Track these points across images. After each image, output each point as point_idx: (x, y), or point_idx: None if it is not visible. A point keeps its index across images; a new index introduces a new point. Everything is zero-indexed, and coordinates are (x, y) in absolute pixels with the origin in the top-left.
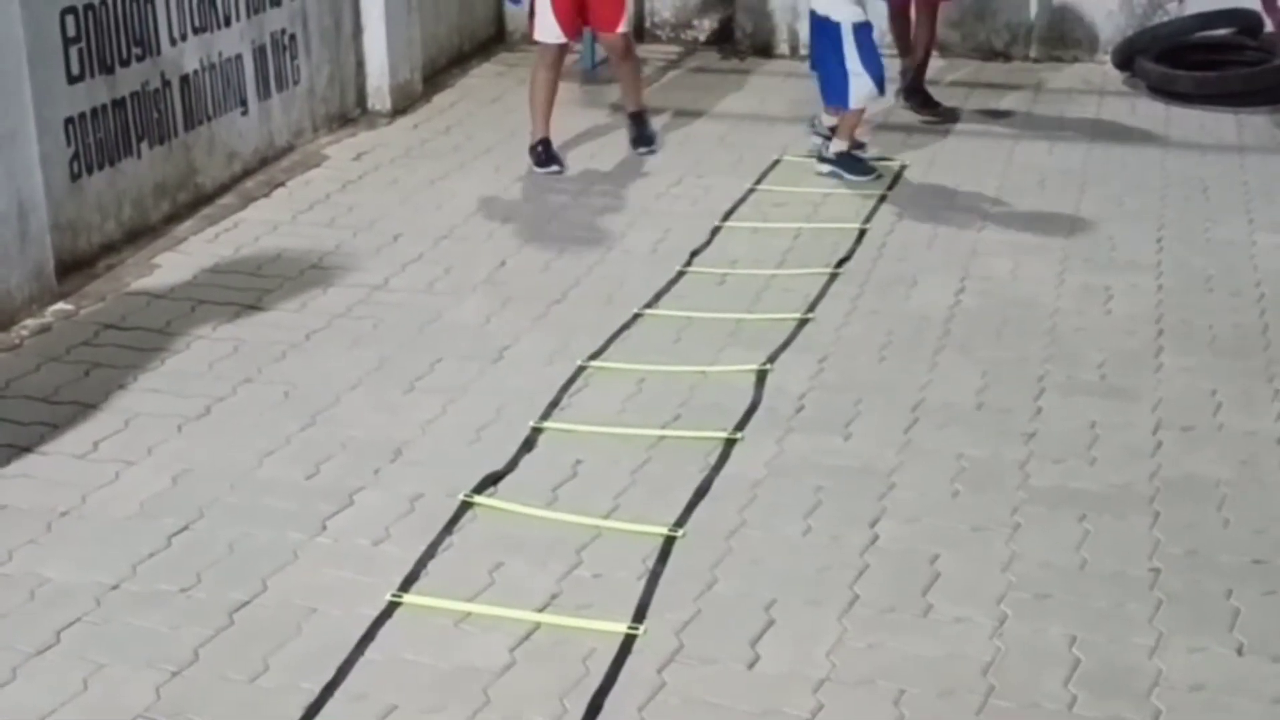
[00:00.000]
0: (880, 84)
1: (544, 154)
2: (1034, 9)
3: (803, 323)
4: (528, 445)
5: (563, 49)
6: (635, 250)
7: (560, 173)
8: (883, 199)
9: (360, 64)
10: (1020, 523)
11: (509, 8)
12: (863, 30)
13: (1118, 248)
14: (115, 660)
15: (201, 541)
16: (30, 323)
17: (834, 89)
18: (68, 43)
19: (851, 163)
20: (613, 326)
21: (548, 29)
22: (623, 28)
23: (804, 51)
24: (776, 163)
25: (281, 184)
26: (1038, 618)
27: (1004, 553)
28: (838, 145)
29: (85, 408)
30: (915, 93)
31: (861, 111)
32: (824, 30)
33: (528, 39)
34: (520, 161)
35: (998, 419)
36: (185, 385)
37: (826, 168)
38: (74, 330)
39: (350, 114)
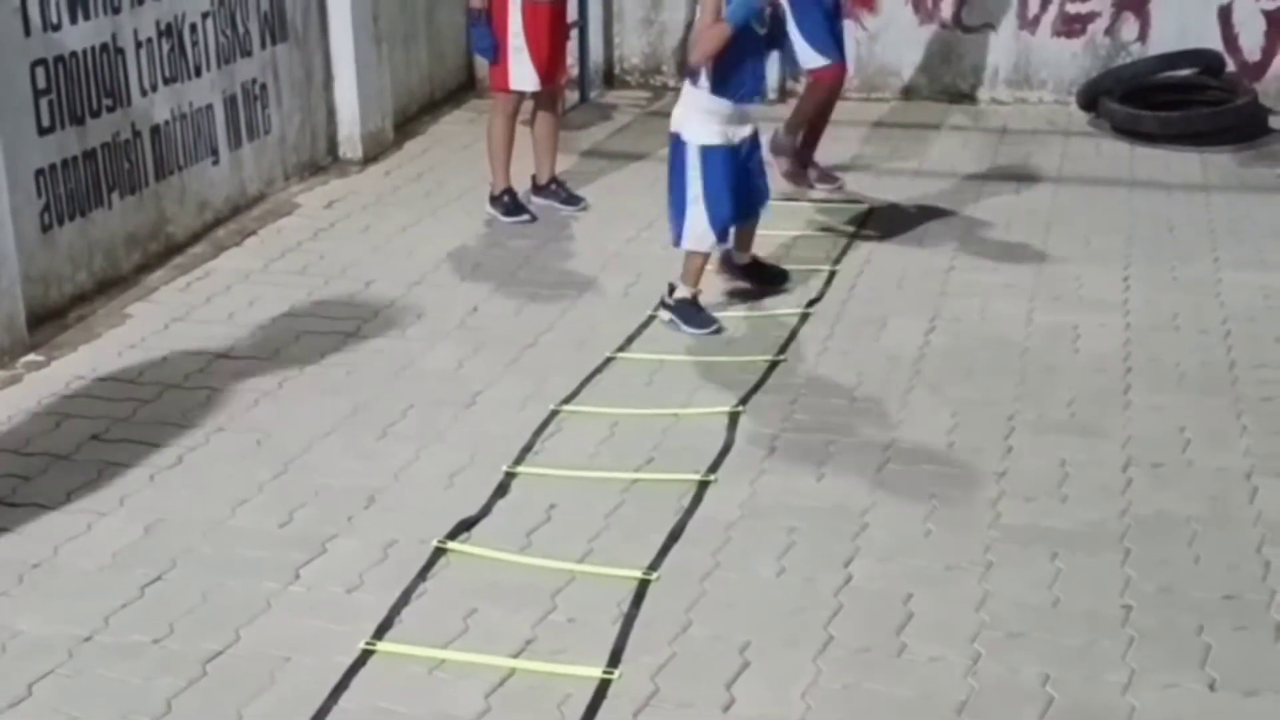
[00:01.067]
0: (722, 230)
1: (510, 204)
2: (998, 51)
3: (774, 364)
4: (501, 490)
5: (523, 99)
6: (607, 294)
7: (531, 221)
8: (852, 240)
9: (331, 112)
10: (993, 561)
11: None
12: (714, 156)
13: (1085, 286)
14: (88, 713)
15: (174, 591)
16: (1, 374)
17: (672, 218)
18: (38, 94)
19: (690, 312)
20: (585, 370)
21: (526, 78)
22: (564, 79)
23: (773, 96)
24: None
25: (253, 232)
26: (1011, 656)
27: (977, 591)
28: (680, 291)
29: (57, 458)
30: (798, 164)
31: (705, 257)
32: (674, 148)
33: (494, 88)
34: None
35: (969, 458)
36: (157, 434)
37: (666, 315)
38: (45, 381)
39: (321, 162)
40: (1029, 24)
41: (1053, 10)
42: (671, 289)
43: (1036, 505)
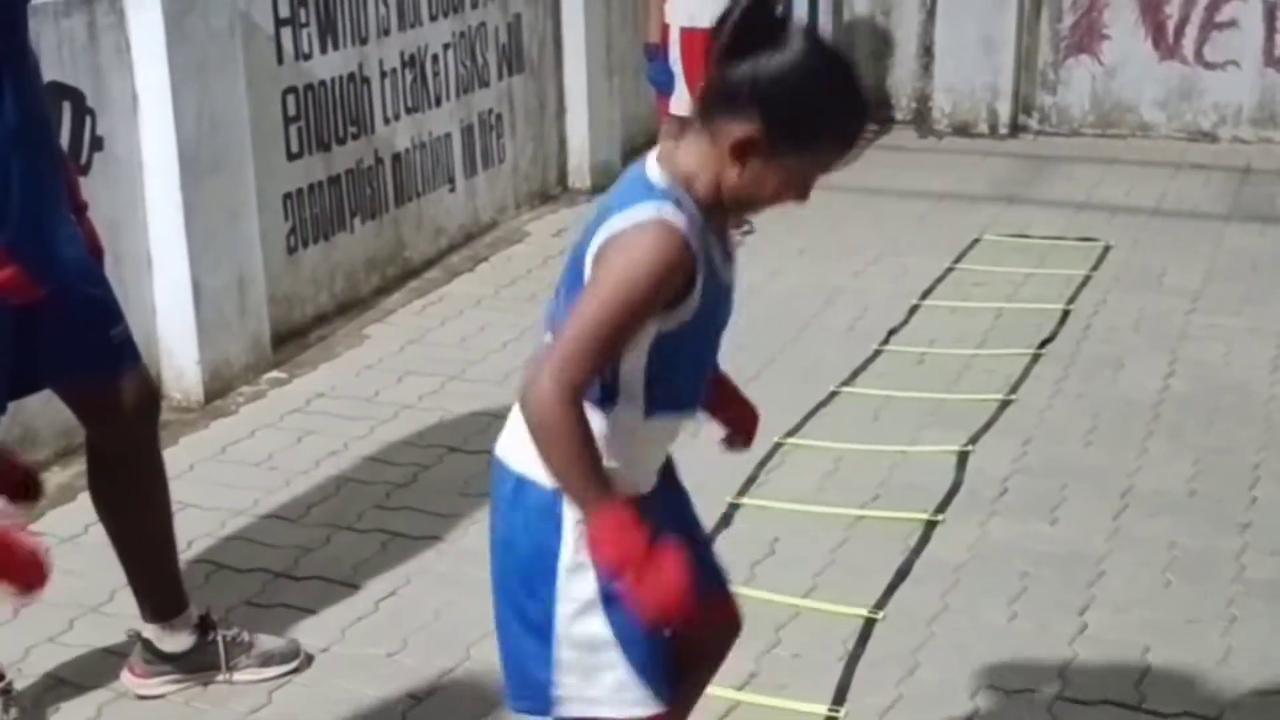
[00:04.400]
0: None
1: None
2: (1242, 89)
3: (1005, 404)
4: (725, 521)
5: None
6: (832, 328)
7: None
8: (1087, 279)
9: (563, 142)
10: (1236, 615)
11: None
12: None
13: None
14: None
15: (408, 607)
16: (246, 390)
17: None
18: (288, 121)
19: None
20: (809, 404)
21: (684, 103)
22: None
23: (1004, 130)
24: (976, 242)
25: (485, 259)
26: (1256, 715)
27: (1220, 646)
28: None
29: (297, 473)
30: None
31: None
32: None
33: (660, 112)
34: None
35: (1211, 508)
36: (393, 453)
37: None
38: (287, 398)
39: (551, 191)
40: (1275, 62)
41: None
42: None
43: None
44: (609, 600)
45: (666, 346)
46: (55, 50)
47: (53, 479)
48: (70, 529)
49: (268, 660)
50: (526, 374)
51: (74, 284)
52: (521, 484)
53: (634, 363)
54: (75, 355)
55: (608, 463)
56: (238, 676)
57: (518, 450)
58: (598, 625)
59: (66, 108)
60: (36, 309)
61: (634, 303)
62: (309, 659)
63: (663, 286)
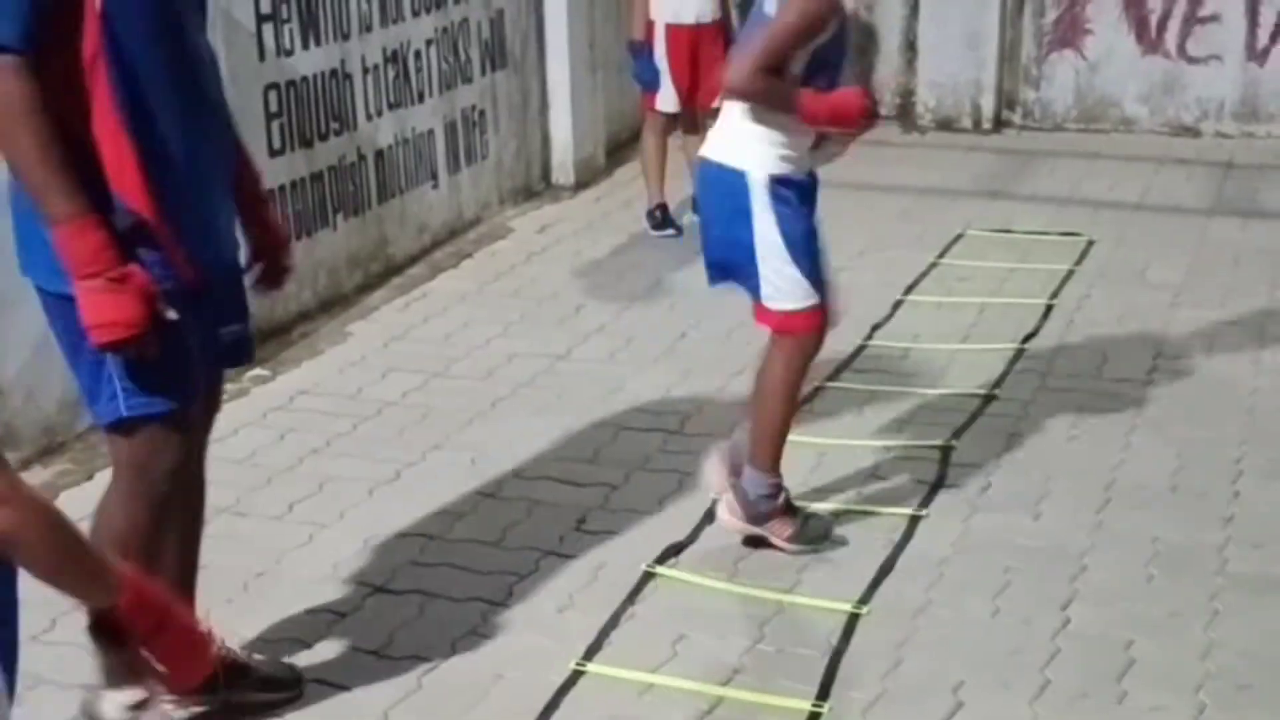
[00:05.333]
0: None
1: (661, 218)
2: (1225, 83)
3: (988, 399)
4: (709, 517)
5: (673, 118)
6: None
7: (677, 236)
8: (1070, 274)
9: (546, 139)
10: (1219, 609)
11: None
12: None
13: None
14: None
15: (392, 604)
16: (229, 387)
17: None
18: (270, 117)
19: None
20: None
21: (667, 99)
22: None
23: (987, 125)
24: (960, 237)
25: (469, 255)
26: (1239, 709)
27: (1202, 640)
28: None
29: (280, 471)
30: None
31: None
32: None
33: (646, 106)
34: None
35: (1194, 502)
36: (376, 450)
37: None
38: (270, 395)
39: (535, 187)
40: (1258, 56)
41: None
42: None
43: (1266, 552)
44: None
45: (818, 56)
46: None
47: (34, 477)
48: None
49: (267, 685)
50: (731, 69)
51: (220, 274)
52: (723, 168)
53: (798, 67)
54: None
55: (782, 142)
56: (236, 698)
57: (720, 151)
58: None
59: None
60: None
61: (800, 32)
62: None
63: (819, 25)
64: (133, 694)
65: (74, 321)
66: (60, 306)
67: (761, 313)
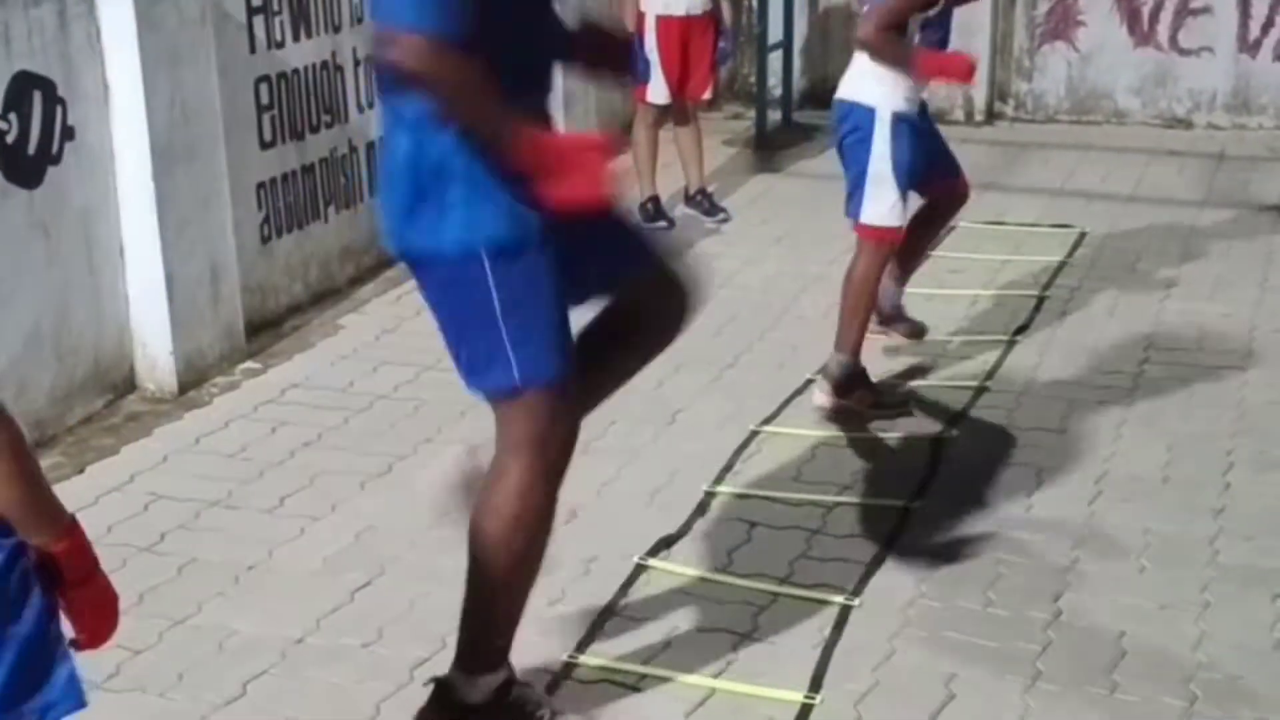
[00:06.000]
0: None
1: (653, 211)
2: (1216, 75)
3: (980, 391)
4: (701, 509)
5: (664, 110)
6: (808, 316)
7: (669, 229)
8: (1062, 266)
9: None
10: (1210, 601)
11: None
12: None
13: None
14: (300, 713)
15: (383, 597)
16: (220, 380)
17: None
18: (261, 110)
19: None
20: (786, 392)
21: (657, 90)
22: (708, 94)
23: (979, 117)
24: (952, 228)
25: None
26: (1229, 700)
27: (1193, 632)
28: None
29: (271, 464)
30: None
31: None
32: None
33: (636, 99)
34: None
35: (1185, 494)
36: (368, 444)
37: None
38: (261, 389)
39: None
40: (1249, 48)
41: (1274, 34)
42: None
43: (1256, 544)
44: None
45: (928, 21)
46: (25, 39)
47: None
48: None
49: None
50: (860, 26)
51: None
52: (856, 105)
53: (913, 27)
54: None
55: (903, 85)
56: None
57: (852, 90)
58: None
59: (37, 97)
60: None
61: (914, 6)
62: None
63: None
64: None
65: (474, 286)
66: (461, 269)
67: (860, 228)
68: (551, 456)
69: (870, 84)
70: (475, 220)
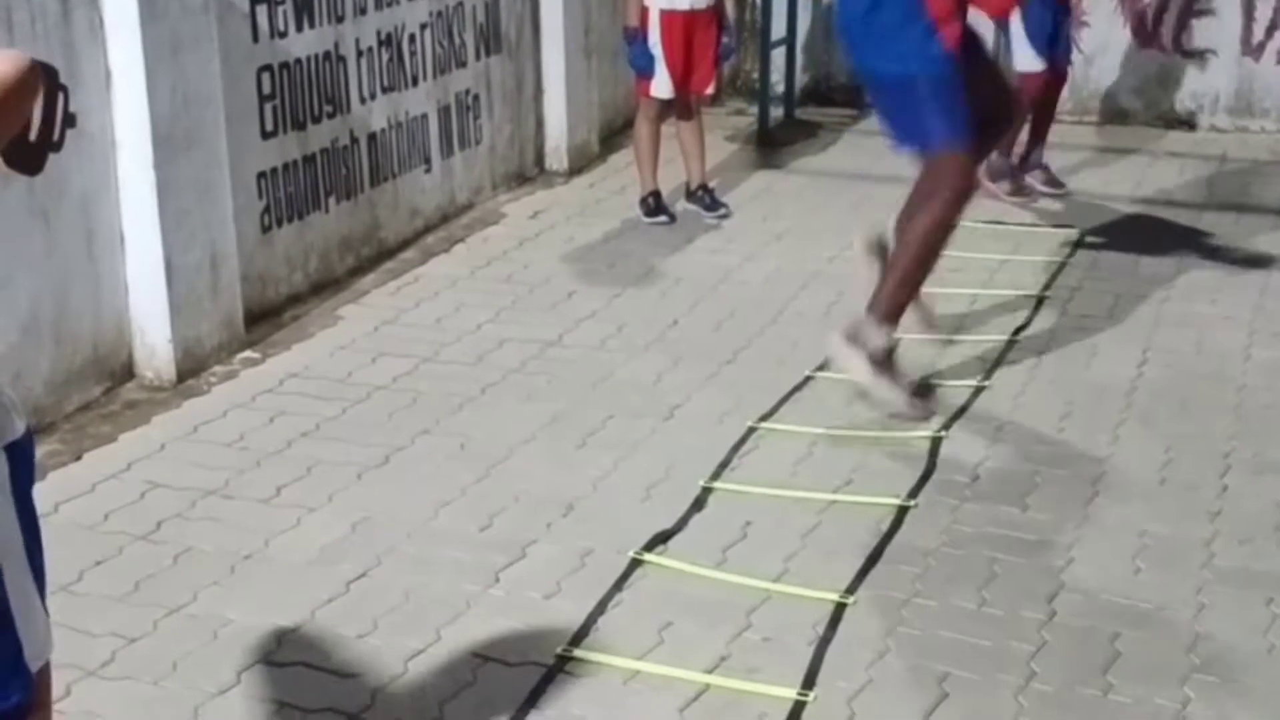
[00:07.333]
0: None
1: (654, 205)
2: (1219, 77)
3: (978, 390)
4: (698, 505)
5: (667, 105)
6: (807, 312)
7: (669, 224)
8: (1062, 266)
9: (540, 124)
10: (1205, 603)
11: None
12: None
13: None
14: (296, 701)
15: (378, 588)
16: (219, 369)
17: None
18: (263, 99)
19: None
20: (784, 388)
21: (661, 85)
22: (710, 89)
23: None
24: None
25: (461, 240)
26: (1223, 703)
27: (1188, 633)
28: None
29: (269, 454)
30: (1019, 180)
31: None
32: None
33: (639, 93)
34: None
35: (1182, 495)
36: (365, 434)
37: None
38: (260, 378)
39: (528, 173)
40: (1253, 50)
41: (1278, 37)
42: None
43: (1253, 547)
44: None
45: None
46: (28, 25)
47: None
48: (40, 507)
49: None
50: None
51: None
52: None
53: None
54: None
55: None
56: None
57: None
58: None
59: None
60: None
61: None
62: None
63: None
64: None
65: (919, 92)
66: (911, 84)
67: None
68: (961, 188)
69: None
70: (920, 55)
